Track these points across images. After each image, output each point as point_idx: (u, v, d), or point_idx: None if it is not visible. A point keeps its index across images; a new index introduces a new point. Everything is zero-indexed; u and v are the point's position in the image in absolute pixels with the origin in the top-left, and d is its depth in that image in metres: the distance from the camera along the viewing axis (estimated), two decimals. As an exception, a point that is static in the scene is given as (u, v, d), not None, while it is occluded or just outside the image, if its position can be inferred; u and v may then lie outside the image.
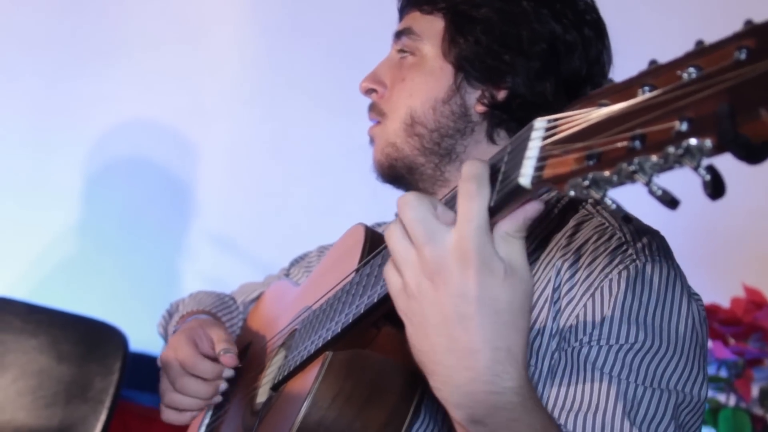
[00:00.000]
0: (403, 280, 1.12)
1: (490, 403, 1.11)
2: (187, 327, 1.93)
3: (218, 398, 1.85)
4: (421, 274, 1.09)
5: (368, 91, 1.81)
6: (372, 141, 1.81)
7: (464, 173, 1.08)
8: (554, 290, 1.53)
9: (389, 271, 1.14)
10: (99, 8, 3.73)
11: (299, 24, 3.72)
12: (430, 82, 1.72)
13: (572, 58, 1.69)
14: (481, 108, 1.71)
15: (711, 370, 3.11)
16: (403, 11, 1.83)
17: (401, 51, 1.77)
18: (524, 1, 1.69)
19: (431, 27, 1.74)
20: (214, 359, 1.85)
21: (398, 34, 1.79)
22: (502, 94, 1.69)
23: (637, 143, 0.87)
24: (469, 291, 1.06)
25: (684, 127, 0.83)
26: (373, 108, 1.80)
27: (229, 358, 1.83)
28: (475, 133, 1.73)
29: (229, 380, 1.91)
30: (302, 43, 3.70)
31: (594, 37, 1.72)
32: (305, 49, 3.70)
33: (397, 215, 1.13)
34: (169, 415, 1.90)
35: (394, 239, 1.12)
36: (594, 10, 1.75)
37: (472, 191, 1.06)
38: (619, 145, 0.89)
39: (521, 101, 1.68)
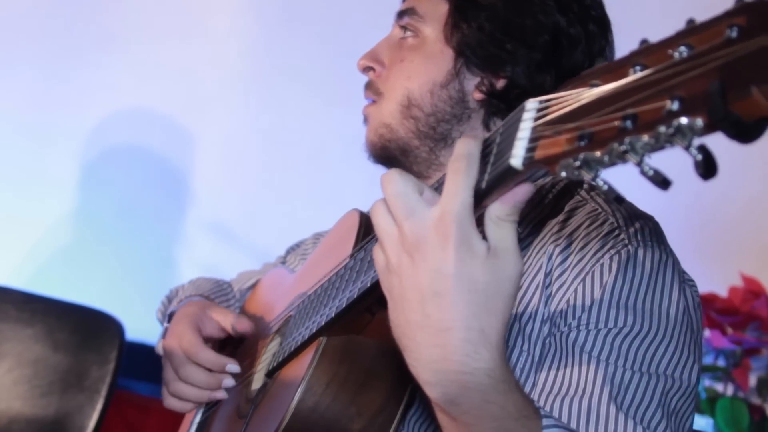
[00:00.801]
0: (386, 256, 1.12)
1: (461, 382, 1.10)
2: (189, 312, 1.92)
3: (223, 394, 1.81)
4: (401, 249, 1.09)
5: (366, 69, 1.79)
6: (366, 120, 1.79)
7: (455, 151, 1.08)
8: (546, 275, 1.53)
9: (376, 249, 1.15)
10: (95, -2, 3.73)
11: (296, 14, 3.71)
12: (429, 65, 1.71)
13: (575, 52, 1.68)
14: (479, 95, 1.70)
15: (709, 359, 3.12)
16: None
17: (403, 29, 1.76)
18: None
19: (435, 10, 1.73)
20: (221, 340, 1.86)
21: (401, 14, 1.77)
22: (501, 83, 1.68)
23: (629, 123, 0.87)
24: (446, 267, 1.06)
25: (675, 106, 0.83)
26: (370, 86, 1.79)
27: (245, 323, 1.83)
28: (471, 120, 1.72)
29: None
30: (299, 32, 3.70)
31: (598, 33, 1.71)
32: (302, 38, 3.69)
33: None
34: (171, 403, 1.89)
35: (377, 215, 1.12)
36: (600, 6, 1.74)
37: (461, 169, 1.06)
38: (611, 125, 0.88)
39: (520, 92, 1.67)
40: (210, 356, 1.82)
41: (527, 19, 1.67)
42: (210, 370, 1.82)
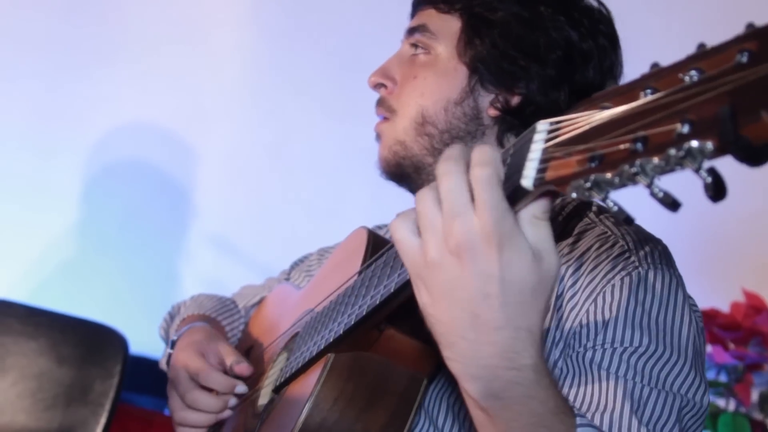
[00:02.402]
0: (423, 245, 1.09)
1: (508, 378, 1.11)
2: (193, 340, 1.91)
3: (228, 413, 1.82)
4: (444, 246, 1.07)
5: (377, 86, 1.79)
6: (378, 137, 1.79)
7: (475, 158, 1.06)
8: (557, 298, 1.53)
9: (403, 228, 1.12)
10: (99, 11, 3.73)
11: (299, 27, 3.72)
12: (443, 83, 1.72)
13: (587, 67, 1.69)
14: (493, 112, 1.70)
15: (711, 374, 3.12)
16: (417, 7, 1.81)
17: (413, 47, 1.76)
18: (542, 7, 1.69)
19: (447, 26, 1.73)
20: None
21: (412, 30, 1.77)
22: (515, 100, 1.69)
23: (639, 145, 0.87)
24: (494, 271, 1.05)
25: (685, 129, 0.84)
26: (382, 103, 1.78)
27: (244, 368, 1.82)
28: (485, 137, 1.72)
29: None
30: (302, 45, 3.71)
31: (608, 47, 1.72)
32: (305, 51, 3.70)
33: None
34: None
35: (426, 202, 1.09)
36: (609, 22, 1.75)
37: (488, 175, 1.04)
38: (621, 147, 0.89)
39: (535, 108, 1.67)
40: (220, 378, 1.81)
41: (540, 35, 1.67)
42: (217, 394, 1.82)
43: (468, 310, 1.08)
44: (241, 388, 1.81)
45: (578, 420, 1.20)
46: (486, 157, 1.06)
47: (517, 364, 1.10)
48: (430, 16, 1.76)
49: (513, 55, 1.68)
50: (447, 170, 1.08)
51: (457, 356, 1.12)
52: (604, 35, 1.72)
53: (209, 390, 1.83)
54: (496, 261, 1.05)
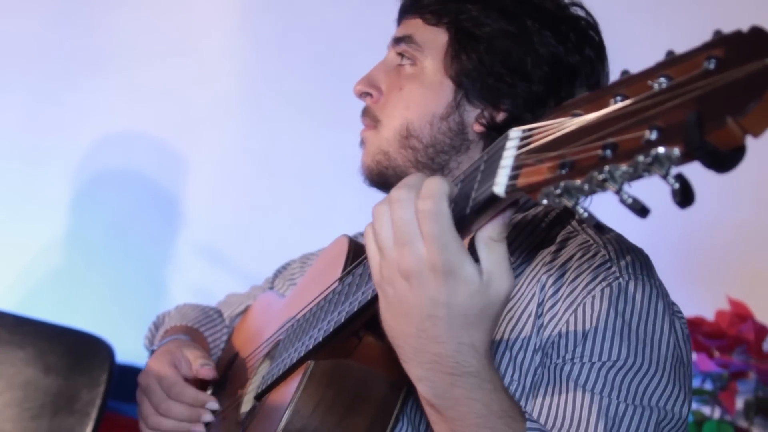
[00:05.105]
0: (381, 261, 1.18)
1: (450, 381, 1.19)
2: (166, 350, 1.92)
3: (200, 428, 1.82)
4: (396, 269, 1.15)
5: (362, 95, 1.77)
6: (362, 144, 1.77)
7: (422, 191, 1.12)
8: (538, 305, 1.54)
9: (371, 240, 1.20)
10: (88, 21, 3.73)
11: (288, 36, 3.73)
12: (429, 97, 1.70)
13: (574, 82, 1.68)
14: (478, 127, 1.69)
15: (696, 382, 3.12)
16: (403, 15, 1.79)
17: (399, 56, 1.73)
18: (528, 21, 1.67)
19: (434, 39, 1.71)
20: (194, 380, 1.86)
21: (398, 40, 1.75)
22: (501, 116, 1.68)
23: (608, 152, 0.89)
24: (441, 297, 1.13)
25: (653, 135, 0.85)
26: (367, 113, 1.76)
27: (207, 370, 1.84)
28: (470, 151, 1.71)
29: (214, 392, 1.90)
30: (291, 55, 3.71)
31: (595, 58, 1.71)
32: (294, 61, 3.71)
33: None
34: None
35: (381, 221, 1.16)
36: (596, 31, 1.73)
37: (433, 209, 1.11)
38: (591, 153, 0.90)
39: (520, 124, 1.67)
40: (191, 392, 1.82)
41: (526, 51, 1.66)
42: (190, 405, 1.82)
43: (414, 325, 1.17)
44: (213, 404, 1.81)
45: (529, 424, 1.26)
46: (432, 190, 1.12)
47: (457, 371, 1.18)
48: (417, 27, 1.73)
49: (499, 71, 1.66)
50: (399, 197, 1.14)
51: (404, 357, 1.22)
52: (590, 45, 1.71)
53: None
54: (442, 288, 1.12)
